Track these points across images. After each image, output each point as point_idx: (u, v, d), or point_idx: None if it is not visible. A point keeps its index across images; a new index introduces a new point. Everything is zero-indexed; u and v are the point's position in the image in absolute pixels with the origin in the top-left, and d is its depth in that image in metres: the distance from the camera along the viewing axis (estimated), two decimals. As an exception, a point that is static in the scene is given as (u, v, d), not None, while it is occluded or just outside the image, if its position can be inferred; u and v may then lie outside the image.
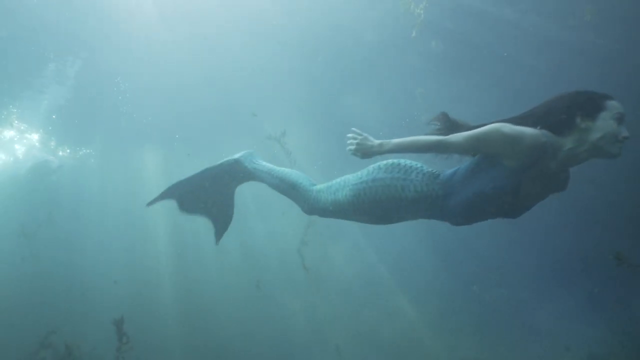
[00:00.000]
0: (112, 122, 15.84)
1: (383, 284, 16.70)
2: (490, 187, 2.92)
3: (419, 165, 3.30)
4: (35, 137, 17.73)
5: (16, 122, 16.22)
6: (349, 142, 3.30)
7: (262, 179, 4.14)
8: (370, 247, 18.14)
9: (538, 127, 2.88)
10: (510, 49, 10.76)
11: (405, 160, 3.34)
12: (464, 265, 16.01)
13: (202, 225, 4.63)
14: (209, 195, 4.41)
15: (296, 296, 16.43)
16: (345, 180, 3.57)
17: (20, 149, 18.92)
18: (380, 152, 3.14)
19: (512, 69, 11.32)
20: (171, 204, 4.38)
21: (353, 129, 3.37)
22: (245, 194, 21.28)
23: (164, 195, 4.31)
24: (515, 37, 10.36)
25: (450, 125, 3.24)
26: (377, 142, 3.17)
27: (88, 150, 19.26)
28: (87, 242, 20.91)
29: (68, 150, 19.10)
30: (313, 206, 3.71)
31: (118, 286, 15.60)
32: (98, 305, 15.12)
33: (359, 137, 3.26)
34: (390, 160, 3.39)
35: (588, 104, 2.83)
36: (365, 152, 3.19)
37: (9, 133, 17.30)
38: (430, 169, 3.29)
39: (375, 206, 3.29)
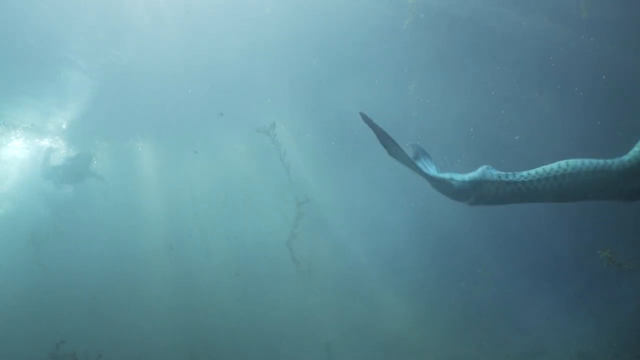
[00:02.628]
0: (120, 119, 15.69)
1: (372, 279, 16.66)
2: None
3: None
4: (46, 143, 17.42)
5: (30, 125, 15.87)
6: None
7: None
8: (360, 242, 18.09)
9: None
10: (503, 44, 10.67)
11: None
12: (453, 262, 16.00)
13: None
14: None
15: (285, 289, 16.36)
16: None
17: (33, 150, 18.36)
18: None
19: (505, 65, 11.25)
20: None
21: None
22: (235, 186, 21.15)
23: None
24: (509, 33, 10.27)
25: None
26: None
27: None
28: (93, 248, 20.73)
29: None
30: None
31: (118, 288, 15.67)
32: (103, 310, 15.10)
33: None
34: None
35: None
36: None
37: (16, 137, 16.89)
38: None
39: None
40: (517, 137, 13.61)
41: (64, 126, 16.29)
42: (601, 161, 3.11)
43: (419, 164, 3.80)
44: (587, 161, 3.13)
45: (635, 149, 3.06)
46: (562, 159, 3.37)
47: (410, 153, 3.91)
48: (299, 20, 10.69)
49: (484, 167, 3.51)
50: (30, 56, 11.35)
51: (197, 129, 16.61)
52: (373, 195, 18.26)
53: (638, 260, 9.00)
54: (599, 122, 11.79)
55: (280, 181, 15.60)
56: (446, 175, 3.63)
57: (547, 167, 3.18)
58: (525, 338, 12.38)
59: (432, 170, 3.70)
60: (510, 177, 3.31)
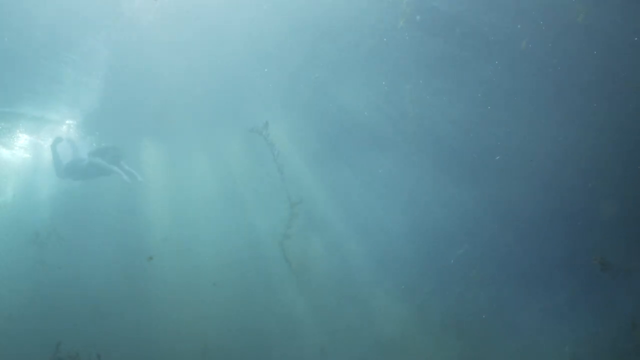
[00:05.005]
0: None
1: (366, 281, 16.61)
2: None
3: None
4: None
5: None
6: None
7: None
8: (354, 244, 18.03)
9: None
10: (499, 44, 10.61)
11: None
12: (447, 264, 15.96)
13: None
14: None
15: (279, 290, 16.28)
16: None
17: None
18: None
19: (501, 65, 11.19)
20: None
21: None
22: (230, 185, 21.04)
23: None
24: (505, 32, 10.21)
25: None
26: None
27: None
28: (96, 247, 20.58)
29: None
30: None
31: (121, 287, 15.57)
32: (106, 309, 15.09)
33: None
34: None
35: None
36: None
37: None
38: None
39: None
40: (497, 158, 13.60)
41: (65, 125, 16.05)
42: None
43: None
44: None
45: None
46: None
47: None
48: (294, 19, 10.59)
49: None
50: (34, 52, 11.12)
51: (196, 127, 16.51)
52: (368, 197, 18.20)
53: (632, 264, 9.00)
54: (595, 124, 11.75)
55: (275, 181, 15.54)
56: None
57: None
58: (518, 341, 12.36)
59: None
60: None
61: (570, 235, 13.72)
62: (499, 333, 12.93)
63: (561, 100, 11.74)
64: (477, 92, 12.15)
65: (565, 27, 9.50)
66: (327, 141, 16.03)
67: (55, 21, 9.83)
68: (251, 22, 10.68)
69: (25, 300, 15.37)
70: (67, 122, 15.57)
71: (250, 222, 20.45)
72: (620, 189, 12.26)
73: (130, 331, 13.71)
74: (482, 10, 9.54)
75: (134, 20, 10.23)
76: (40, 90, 13.19)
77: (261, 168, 16.63)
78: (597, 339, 11.09)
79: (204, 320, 14.68)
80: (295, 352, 13.51)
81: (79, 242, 19.87)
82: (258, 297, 16.19)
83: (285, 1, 9.92)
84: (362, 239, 17.92)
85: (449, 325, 13.65)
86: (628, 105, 11.18)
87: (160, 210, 22.02)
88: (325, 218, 18.36)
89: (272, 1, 9.96)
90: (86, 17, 9.89)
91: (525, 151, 13.31)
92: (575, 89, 11.32)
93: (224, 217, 21.22)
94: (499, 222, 14.97)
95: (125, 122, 15.91)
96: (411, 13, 8.99)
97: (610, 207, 12.47)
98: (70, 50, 11.11)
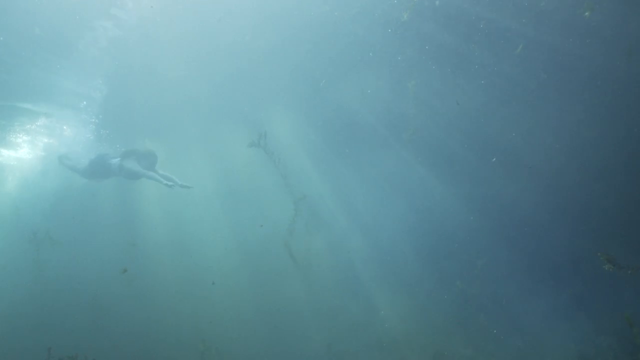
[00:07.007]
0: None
1: (369, 278, 16.60)
2: None
3: None
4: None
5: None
6: None
7: None
8: (357, 240, 18.02)
9: None
10: (501, 42, 10.57)
11: None
12: (450, 261, 15.92)
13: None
14: None
15: (284, 287, 16.30)
16: None
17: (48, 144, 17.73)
18: None
19: (504, 62, 11.14)
20: None
21: None
22: (235, 183, 21.07)
23: None
24: (508, 30, 10.16)
25: None
26: None
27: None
28: (95, 248, 20.66)
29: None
30: None
31: (120, 288, 15.55)
32: (104, 310, 15.15)
33: None
34: None
35: None
36: None
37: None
38: None
39: None
40: (494, 159, 13.55)
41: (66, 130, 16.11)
42: None
43: None
44: None
45: None
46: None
47: None
48: (297, 15, 10.57)
49: None
50: (33, 47, 11.11)
51: (198, 126, 16.55)
52: (371, 193, 18.18)
53: (638, 263, 8.92)
54: (596, 121, 11.69)
55: (278, 178, 15.57)
56: None
57: None
58: (522, 339, 12.32)
59: None
60: None
61: (574, 233, 13.67)
62: (503, 331, 12.89)
63: (566, 97, 11.69)
64: (479, 91, 12.12)
65: (571, 23, 9.45)
66: (329, 138, 16.05)
67: (54, 17, 9.84)
68: (253, 19, 10.67)
69: (21, 302, 15.48)
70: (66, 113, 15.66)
71: (254, 219, 20.50)
72: (625, 187, 12.19)
73: (127, 334, 13.73)
74: (485, 5, 9.50)
75: (133, 15, 10.25)
76: (39, 86, 13.23)
77: (264, 166, 16.66)
78: (604, 336, 11.05)
79: (206, 318, 14.71)
80: (302, 350, 13.50)
81: (76, 244, 19.96)
82: (263, 294, 16.21)
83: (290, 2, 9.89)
84: (366, 235, 17.93)
85: (452, 321, 13.64)
86: (632, 103, 11.13)
87: (160, 210, 22.11)
88: (329, 214, 18.38)
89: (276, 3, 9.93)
90: (85, 12, 9.91)
91: (529, 149, 13.26)
92: (580, 87, 11.27)
93: (226, 215, 21.27)
94: (502, 220, 14.92)
95: (125, 118, 15.99)
96: (415, 6, 8.91)
97: (615, 204, 12.41)
98: (69, 46, 11.13)
